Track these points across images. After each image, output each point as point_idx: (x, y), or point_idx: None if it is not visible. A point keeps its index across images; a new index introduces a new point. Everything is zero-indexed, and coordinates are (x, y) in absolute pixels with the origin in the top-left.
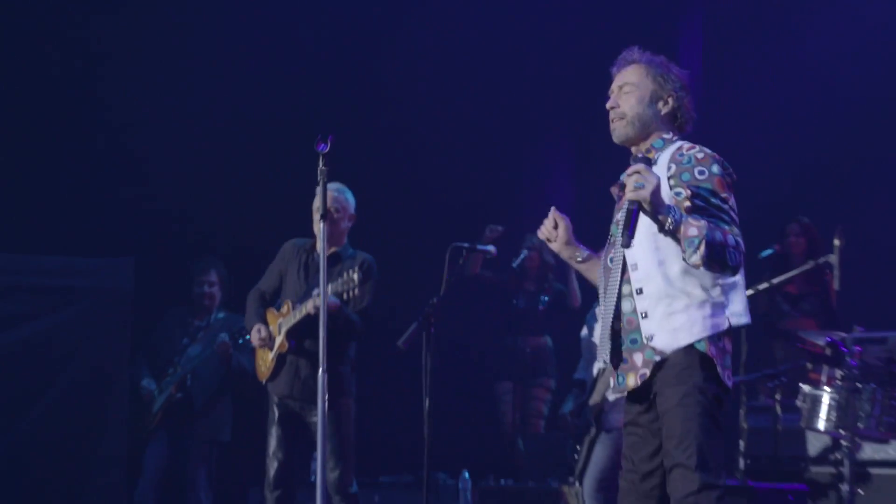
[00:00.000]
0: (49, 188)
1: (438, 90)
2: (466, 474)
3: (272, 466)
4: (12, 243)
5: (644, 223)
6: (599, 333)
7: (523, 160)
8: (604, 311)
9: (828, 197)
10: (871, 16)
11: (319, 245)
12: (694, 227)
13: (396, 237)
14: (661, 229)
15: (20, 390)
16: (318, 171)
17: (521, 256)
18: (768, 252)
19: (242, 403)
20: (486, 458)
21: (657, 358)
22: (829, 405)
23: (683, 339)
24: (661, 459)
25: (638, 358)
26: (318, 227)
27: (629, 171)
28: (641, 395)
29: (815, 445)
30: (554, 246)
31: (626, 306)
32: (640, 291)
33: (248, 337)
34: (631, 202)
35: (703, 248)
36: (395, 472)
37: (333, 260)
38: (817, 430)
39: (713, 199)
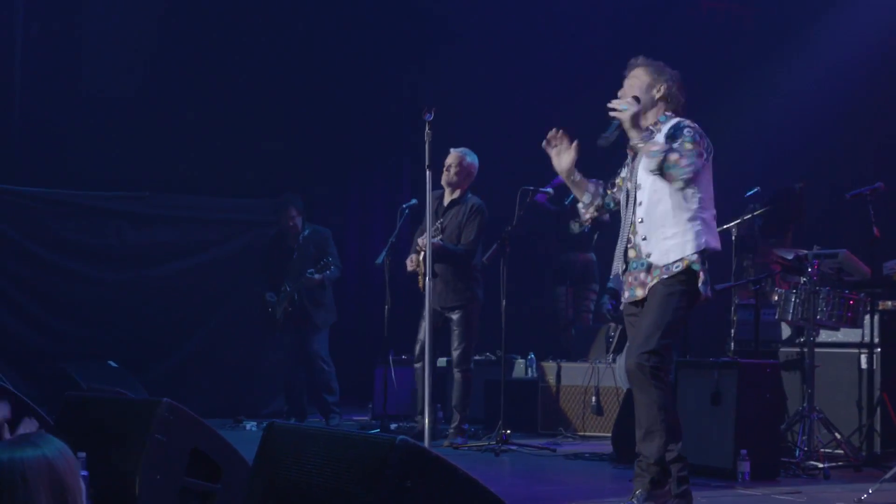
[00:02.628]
0: (223, 141)
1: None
2: (532, 355)
3: (417, 345)
4: (189, 186)
5: (645, 171)
6: (616, 254)
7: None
8: (620, 238)
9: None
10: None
11: (447, 196)
12: (657, 145)
13: (487, 181)
14: (637, 144)
15: (206, 301)
16: (425, 135)
17: (571, 197)
18: (752, 192)
19: (371, 299)
20: (547, 343)
21: (656, 273)
22: (796, 303)
23: (674, 256)
24: None
25: (644, 276)
26: (444, 180)
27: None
28: (641, 301)
29: (785, 332)
30: (555, 159)
31: (634, 234)
32: (642, 221)
33: (329, 263)
34: (614, 118)
35: (660, 156)
36: (481, 352)
37: (452, 204)
38: (787, 321)
39: (684, 147)
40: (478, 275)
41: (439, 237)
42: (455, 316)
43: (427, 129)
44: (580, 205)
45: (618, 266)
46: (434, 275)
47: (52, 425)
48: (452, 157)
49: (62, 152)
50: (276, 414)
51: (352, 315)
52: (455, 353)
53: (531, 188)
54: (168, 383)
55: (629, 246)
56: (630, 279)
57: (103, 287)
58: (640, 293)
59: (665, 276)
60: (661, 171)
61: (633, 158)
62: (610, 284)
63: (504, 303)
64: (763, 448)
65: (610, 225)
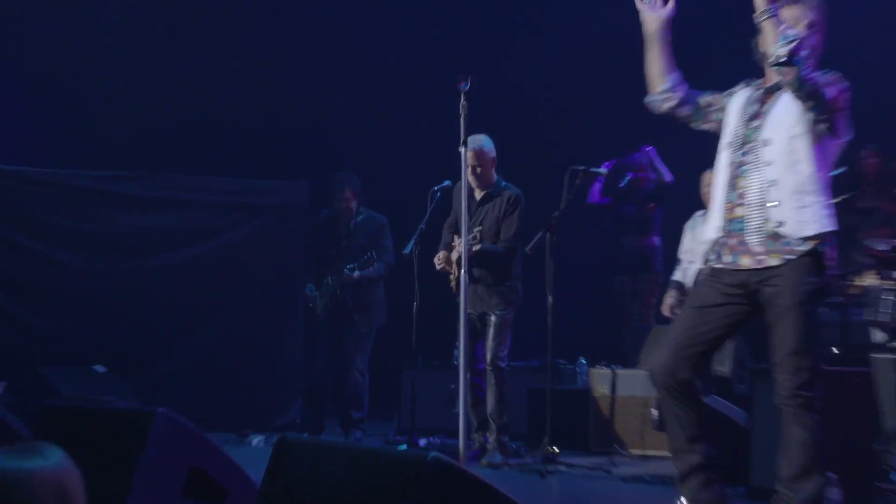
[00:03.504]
0: (240, 120)
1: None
2: (583, 360)
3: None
4: (207, 167)
5: (783, 126)
6: (716, 215)
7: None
8: (720, 191)
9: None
10: None
11: (477, 191)
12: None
13: (524, 164)
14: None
15: (210, 296)
16: (460, 107)
17: (628, 178)
18: (839, 171)
19: (397, 294)
20: (601, 346)
21: (786, 249)
22: (888, 301)
23: (810, 230)
24: (712, 336)
25: (759, 243)
26: (471, 177)
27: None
28: (743, 281)
29: (878, 335)
30: (645, 10)
31: (753, 196)
32: (773, 183)
33: (372, 258)
34: (792, 45)
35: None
36: (524, 356)
37: (486, 198)
38: (881, 322)
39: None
40: (519, 271)
41: (478, 231)
42: (493, 316)
43: (462, 100)
44: (659, 90)
45: (717, 223)
46: (473, 279)
47: (29, 439)
48: (472, 156)
49: (44, 127)
50: (288, 427)
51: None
52: (488, 351)
53: (581, 168)
54: (164, 391)
55: (737, 203)
56: (733, 242)
57: (90, 279)
58: (746, 262)
59: (792, 256)
60: (813, 100)
61: (762, 105)
62: (673, 278)
63: (550, 299)
64: (854, 471)
65: (673, 204)
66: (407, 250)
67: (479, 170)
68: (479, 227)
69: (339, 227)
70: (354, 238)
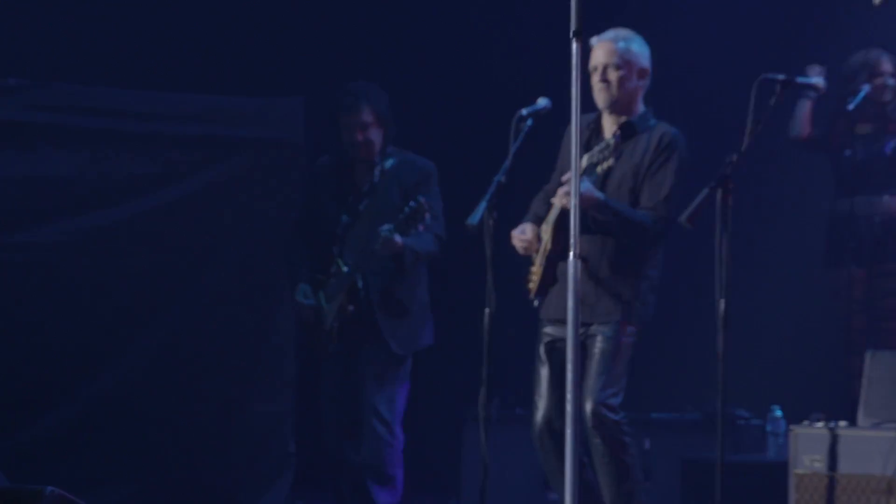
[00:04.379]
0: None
1: None
2: (779, 412)
3: (538, 408)
4: (153, 79)
5: None
6: None
7: None
8: None
9: None
10: None
11: (607, 123)
12: None
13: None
14: None
15: (137, 297)
16: None
17: (862, 92)
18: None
19: (451, 295)
20: (809, 388)
21: None
22: None
23: None
24: None
25: None
26: (599, 93)
27: None
28: None
29: None
30: None
31: None
32: None
33: (423, 211)
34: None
35: None
36: (672, 407)
37: (627, 132)
38: None
39: None
40: (658, 264)
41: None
42: (601, 334)
43: None
44: None
45: None
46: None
47: None
48: (603, 51)
49: None
50: None
51: None
52: (588, 394)
53: (780, 77)
54: (58, 454)
55: None
56: None
57: None
58: None
59: None
60: None
61: None
62: None
63: (723, 305)
64: None
65: None
66: (473, 220)
67: (612, 76)
68: (600, 174)
69: (354, 180)
70: (381, 195)
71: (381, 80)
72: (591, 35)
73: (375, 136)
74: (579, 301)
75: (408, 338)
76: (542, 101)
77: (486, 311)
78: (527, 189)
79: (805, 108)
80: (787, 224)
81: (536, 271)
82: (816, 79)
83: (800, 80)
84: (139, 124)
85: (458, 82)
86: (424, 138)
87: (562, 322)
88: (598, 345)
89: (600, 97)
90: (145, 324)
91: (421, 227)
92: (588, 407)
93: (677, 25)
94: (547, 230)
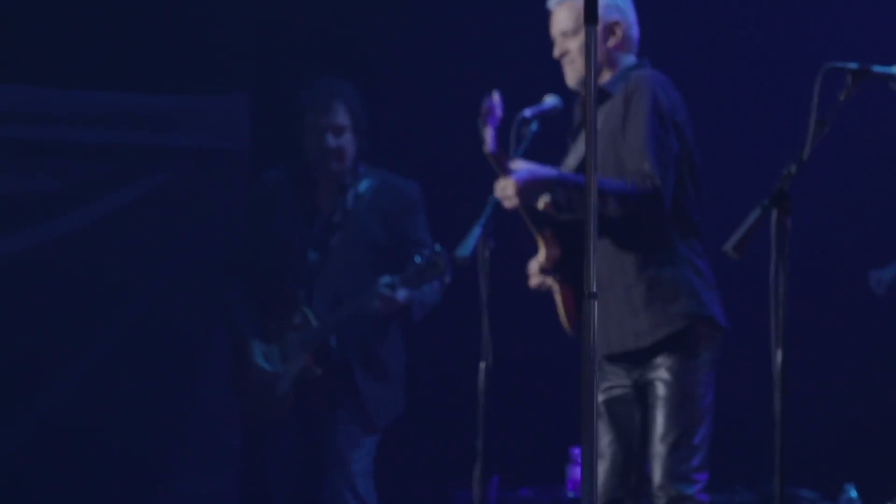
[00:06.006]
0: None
1: None
2: (853, 492)
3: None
4: (69, 76)
5: None
6: None
7: None
8: None
9: None
10: None
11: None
12: None
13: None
14: None
15: (37, 349)
16: None
17: None
18: None
19: (431, 345)
20: (890, 461)
21: None
22: None
23: None
24: None
25: None
26: (566, 70)
27: None
28: None
29: None
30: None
31: None
32: None
33: (432, 252)
34: None
35: None
36: (718, 486)
37: (600, 100)
38: None
39: None
40: (698, 260)
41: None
42: (657, 372)
43: None
44: None
45: None
46: (593, 295)
47: None
48: (555, 17)
49: None
50: None
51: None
52: (657, 462)
53: (850, 67)
54: None
55: None
56: None
57: None
58: None
59: None
60: None
61: None
62: None
63: (779, 356)
64: None
65: None
66: (465, 251)
67: (576, 52)
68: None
69: (318, 204)
70: (357, 227)
71: (346, 76)
72: None
73: (349, 144)
74: (604, 335)
75: (388, 406)
76: (550, 100)
77: (482, 364)
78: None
79: None
80: (863, 254)
81: (558, 301)
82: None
83: (877, 69)
84: (36, 129)
85: (443, 78)
86: (402, 149)
87: (613, 359)
88: (657, 390)
89: (567, 76)
90: (59, 365)
91: (438, 284)
92: (656, 480)
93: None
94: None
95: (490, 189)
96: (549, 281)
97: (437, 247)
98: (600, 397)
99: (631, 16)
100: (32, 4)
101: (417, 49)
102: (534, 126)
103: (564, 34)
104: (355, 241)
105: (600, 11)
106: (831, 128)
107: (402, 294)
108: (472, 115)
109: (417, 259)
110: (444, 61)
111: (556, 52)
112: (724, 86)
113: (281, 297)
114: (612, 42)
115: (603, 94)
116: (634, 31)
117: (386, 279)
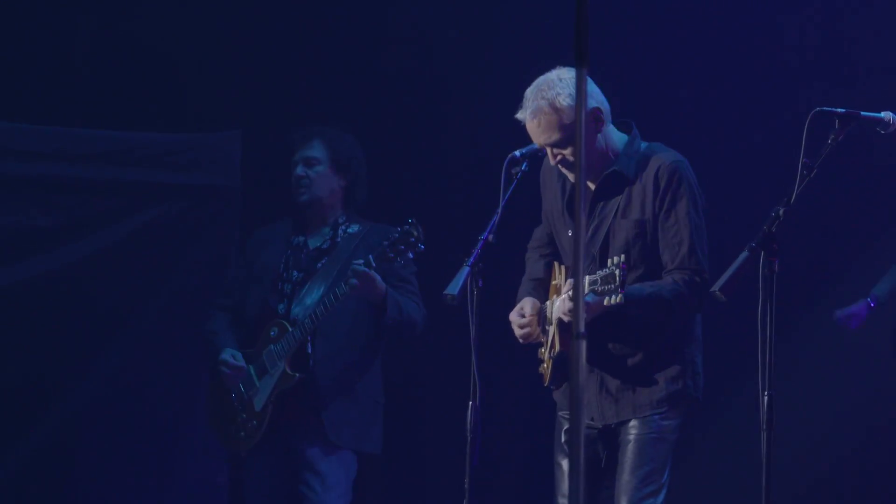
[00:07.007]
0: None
1: None
2: None
3: None
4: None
5: None
6: None
7: None
8: None
9: None
10: None
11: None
12: None
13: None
14: None
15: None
16: None
17: None
18: None
19: (409, 380)
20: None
21: None
22: None
23: None
24: None
25: None
26: (565, 171)
27: None
28: None
29: None
30: None
31: None
32: None
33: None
34: None
35: None
36: None
37: (604, 189)
38: None
39: None
40: (697, 329)
41: (615, 266)
42: (634, 430)
43: None
44: None
45: None
46: (581, 335)
47: None
48: (534, 132)
49: None
50: None
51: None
52: (622, 495)
53: (837, 111)
54: None
55: None
56: None
57: None
58: None
59: None
60: None
61: None
62: None
63: (766, 400)
64: None
65: None
66: (454, 289)
67: (570, 154)
68: (617, 258)
69: (307, 239)
70: (343, 254)
71: (337, 118)
72: (592, 68)
73: (320, 177)
74: (601, 398)
75: (351, 428)
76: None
77: (470, 405)
78: (521, 249)
79: None
80: (848, 297)
81: (547, 363)
82: (886, 113)
83: (865, 114)
84: (27, 166)
85: (432, 119)
86: (391, 190)
87: (599, 420)
88: (632, 431)
89: (568, 175)
90: (43, 400)
91: (411, 255)
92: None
93: (707, 44)
94: (552, 329)
95: (477, 227)
96: (544, 339)
97: (412, 220)
98: (563, 437)
99: (599, 93)
100: (28, 43)
101: (409, 91)
102: (523, 166)
103: (556, 145)
104: (340, 264)
105: (567, 94)
106: (819, 171)
107: (378, 277)
108: (461, 156)
109: (395, 233)
110: (435, 101)
111: (553, 161)
112: (713, 128)
113: (262, 317)
114: (599, 127)
115: (618, 178)
116: (607, 106)
117: (360, 259)
